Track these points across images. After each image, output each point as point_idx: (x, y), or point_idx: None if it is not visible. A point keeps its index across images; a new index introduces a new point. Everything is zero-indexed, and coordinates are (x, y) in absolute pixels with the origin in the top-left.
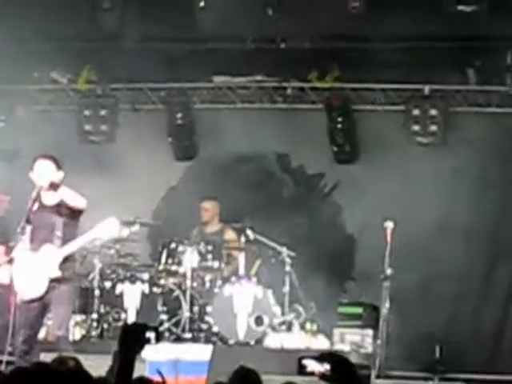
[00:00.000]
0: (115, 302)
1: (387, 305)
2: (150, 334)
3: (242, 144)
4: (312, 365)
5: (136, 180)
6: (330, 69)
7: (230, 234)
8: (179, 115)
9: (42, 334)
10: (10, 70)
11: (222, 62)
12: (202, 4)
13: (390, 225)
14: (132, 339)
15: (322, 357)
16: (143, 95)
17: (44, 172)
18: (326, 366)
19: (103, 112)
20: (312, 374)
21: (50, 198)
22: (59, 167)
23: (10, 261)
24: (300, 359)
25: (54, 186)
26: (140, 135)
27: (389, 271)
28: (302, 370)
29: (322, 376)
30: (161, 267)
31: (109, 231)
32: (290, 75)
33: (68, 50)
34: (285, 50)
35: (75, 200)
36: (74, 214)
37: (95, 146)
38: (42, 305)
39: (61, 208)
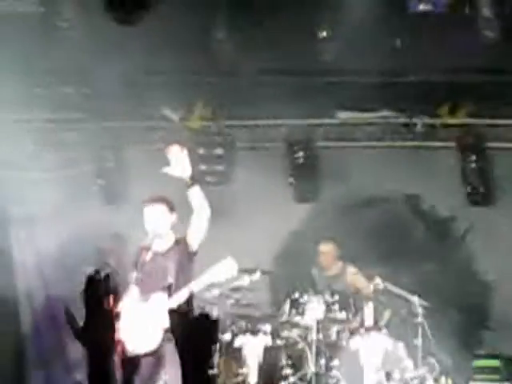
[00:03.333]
0: (235, 355)
1: None
2: None
3: (368, 185)
4: None
5: (254, 224)
6: (462, 103)
7: (361, 282)
8: (301, 154)
9: None
10: (117, 106)
11: (347, 96)
12: (324, 34)
13: None
14: None
15: None
16: (262, 132)
17: (156, 217)
18: None
19: (219, 151)
20: None
21: (162, 244)
22: (172, 209)
23: (117, 315)
24: None
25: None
26: (258, 175)
27: None
28: None
29: None
30: (284, 318)
31: (225, 273)
32: (420, 111)
33: (180, 84)
34: (414, 84)
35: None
36: (188, 256)
37: (210, 187)
38: (156, 359)
39: (173, 252)
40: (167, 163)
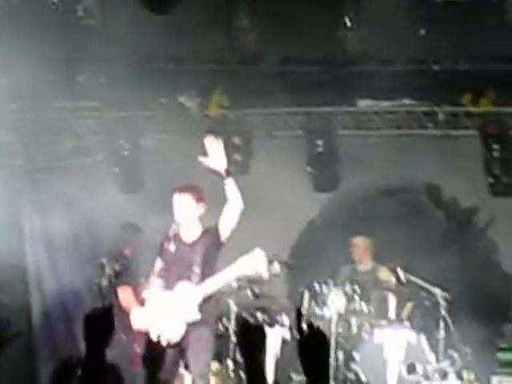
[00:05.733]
0: None
1: None
2: None
3: (388, 174)
4: None
5: (272, 214)
6: (485, 92)
7: (384, 274)
8: (320, 142)
9: None
10: (134, 95)
11: (368, 84)
12: (348, 23)
13: None
14: None
15: None
16: (280, 121)
17: (182, 206)
18: None
19: (236, 140)
20: None
21: (189, 234)
22: (200, 199)
23: (142, 303)
24: None
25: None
26: (276, 165)
27: None
28: None
29: None
30: (303, 310)
31: (254, 266)
32: (442, 99)
33: (198, 72)
34: (437, 72)
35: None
36: (216, 247)
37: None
38: (178, 351)
39: (201, 242)
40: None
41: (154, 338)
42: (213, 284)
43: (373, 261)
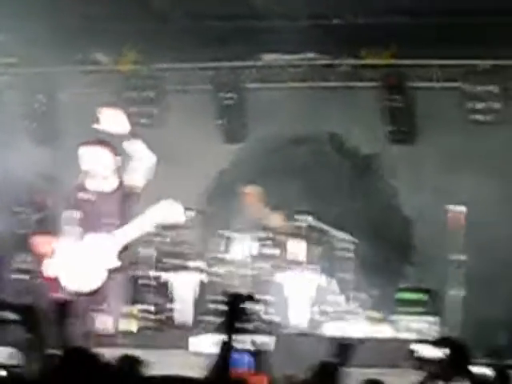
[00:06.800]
0: (169, 292)
1: (461, 293)
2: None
3: (293, 125)
4: (425, 350)
5: (185, 164)
6: (385, 45)
7: (276, 221)
8: (228, 95)
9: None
10: (51, 51)
11: (272, 39)
12: None
13: (458, 209)
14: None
15: (439, 342)
16: (191, 75)
17: (97, 158)
18: (445, 351)
19: (150, 94)
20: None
21: (106, 185)
22: (116, 153)
23: (53, 252)
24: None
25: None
26: (188, 117)
27: (460, 257)
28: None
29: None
30: (216, 255)
31: (168, 215)
32: (344, 52)
33: (111, 29)
34: (338, 26)
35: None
36: (130, 198)
37: (142, 129)
38: (95, 298)
39: (117, 193)
40: (99, 106)
41: (70, 286)
42: (130, 233)
43: (265, 209)
